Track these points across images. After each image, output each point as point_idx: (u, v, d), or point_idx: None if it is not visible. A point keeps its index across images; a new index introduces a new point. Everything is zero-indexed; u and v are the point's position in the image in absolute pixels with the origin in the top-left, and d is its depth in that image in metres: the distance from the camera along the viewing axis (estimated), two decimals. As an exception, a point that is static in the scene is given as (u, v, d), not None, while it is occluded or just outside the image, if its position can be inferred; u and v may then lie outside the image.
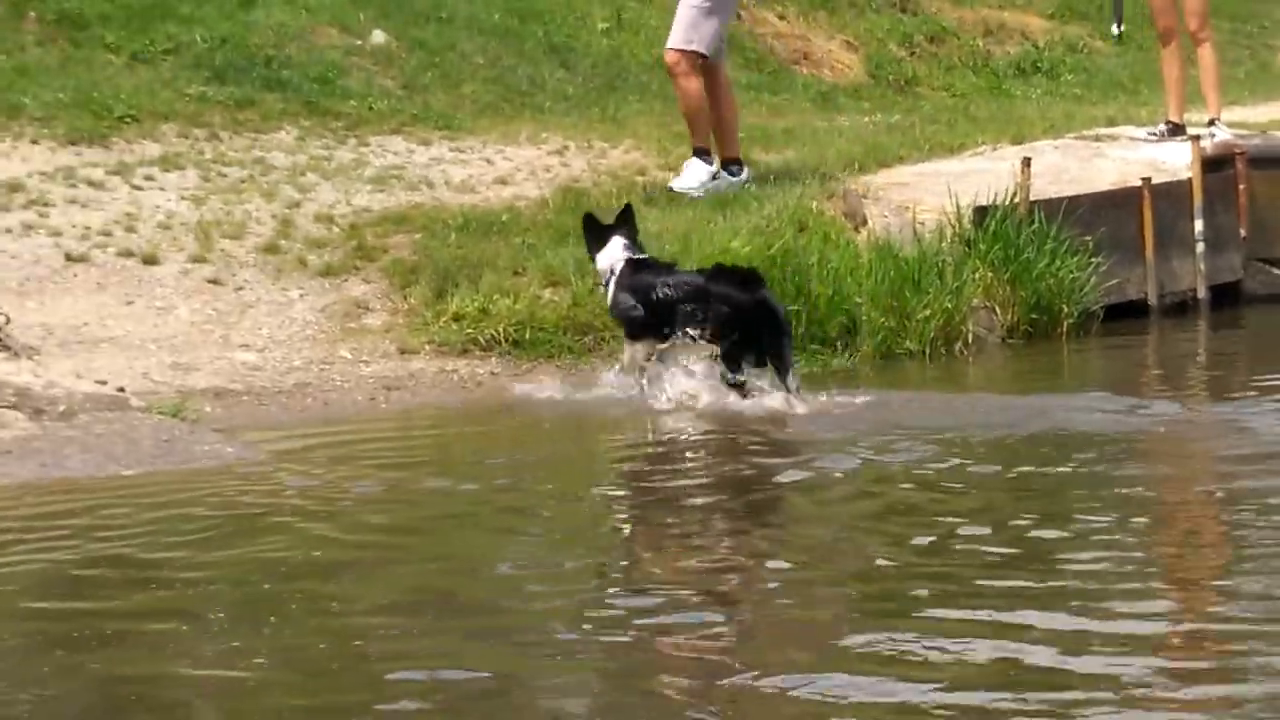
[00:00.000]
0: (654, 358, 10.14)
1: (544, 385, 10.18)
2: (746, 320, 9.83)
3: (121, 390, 8.96)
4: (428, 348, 10.53)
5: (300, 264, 11.29)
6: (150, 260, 10.97)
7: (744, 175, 13.07)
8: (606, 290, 10.13)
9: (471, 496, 7.91)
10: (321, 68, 14.97)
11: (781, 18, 20.12)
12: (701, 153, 12.87)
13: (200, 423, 8.78)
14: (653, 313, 9.90)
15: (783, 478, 8.43)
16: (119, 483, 7.76)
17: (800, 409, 9.87)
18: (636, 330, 10.02)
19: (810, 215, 12.26)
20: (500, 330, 10.59)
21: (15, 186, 11.62)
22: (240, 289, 10.91)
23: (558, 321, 10.83)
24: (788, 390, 9.92)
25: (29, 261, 10.69)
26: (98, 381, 9.04)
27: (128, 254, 10.98)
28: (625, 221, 10.39)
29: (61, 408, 8.44)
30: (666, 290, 9.89)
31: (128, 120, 13.27)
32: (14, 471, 7.62)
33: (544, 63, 16.75)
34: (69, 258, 10.81)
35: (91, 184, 11.96)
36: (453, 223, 11.93)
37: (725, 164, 13.03)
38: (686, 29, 12.28)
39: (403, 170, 13.20)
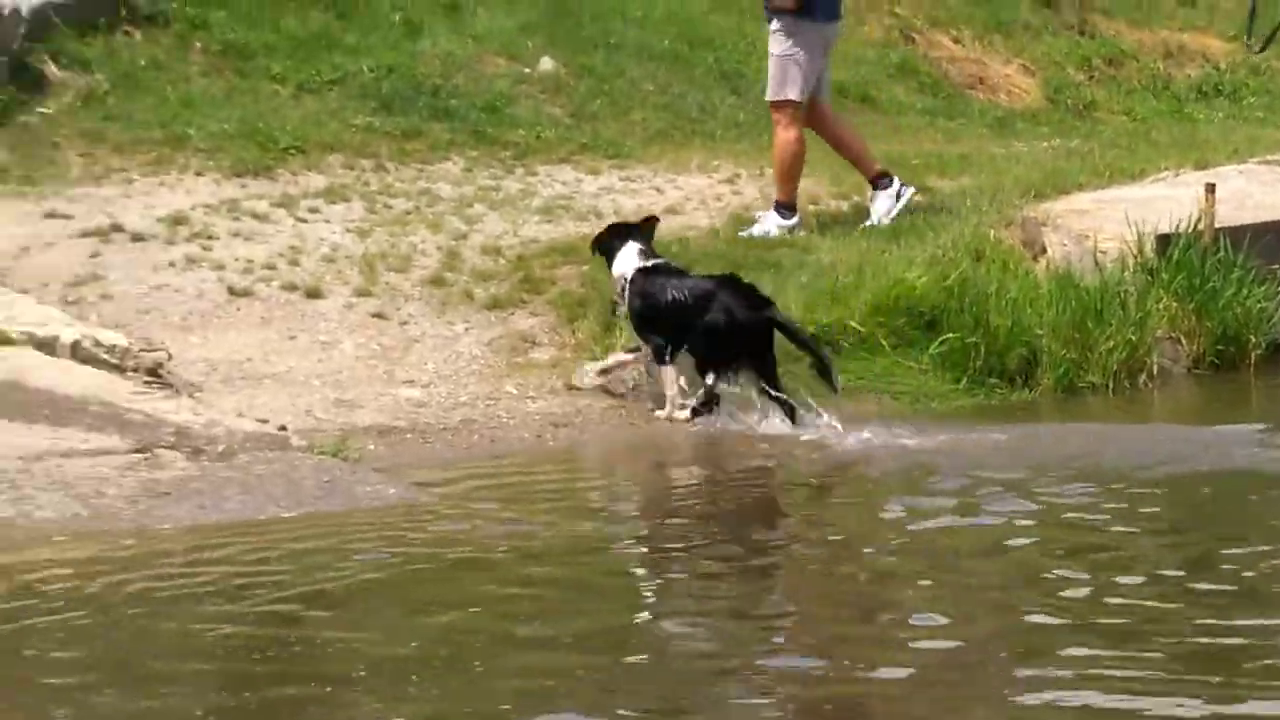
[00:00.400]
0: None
1: (715, 420, 9.81)
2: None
3: (283, 429, 8.90)
4: None
5: (466, 297, 11.12)
6: (314, 294, 10.88)
7: (893, 188, 12.56)
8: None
9: (642, 540, 7.73)
10: (489, 96, 14.89)
11: (956, 41, 19.80)
12: (782, 207, 12.43)
13: (362, 462, 8.63)
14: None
15: (935, 522, 8.01)
16: (279, 526, 7.60)
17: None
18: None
19: (987, 244, 12.04)
20: None
21: (179, 219, 11.58)
22: (405, 323, 10.77)
23: None
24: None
25: (192, 296, 10.60)
26: (259, 420, 8.97)
27: (291, 288, 10.89)
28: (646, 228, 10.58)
29: (221, 447, 8.33)
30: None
31: (293, 151, 13.26)
32: (172, 514, 7.46)
33: (714, 89, 16.52)
34: (232, 292, 10.72)
35: (256, 216, 11.91)
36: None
37: (874, 181, 12.63)
38: (776, 80, 12.06)
39: (571, 200, 13.04)
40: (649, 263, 9.92)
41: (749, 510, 9.02)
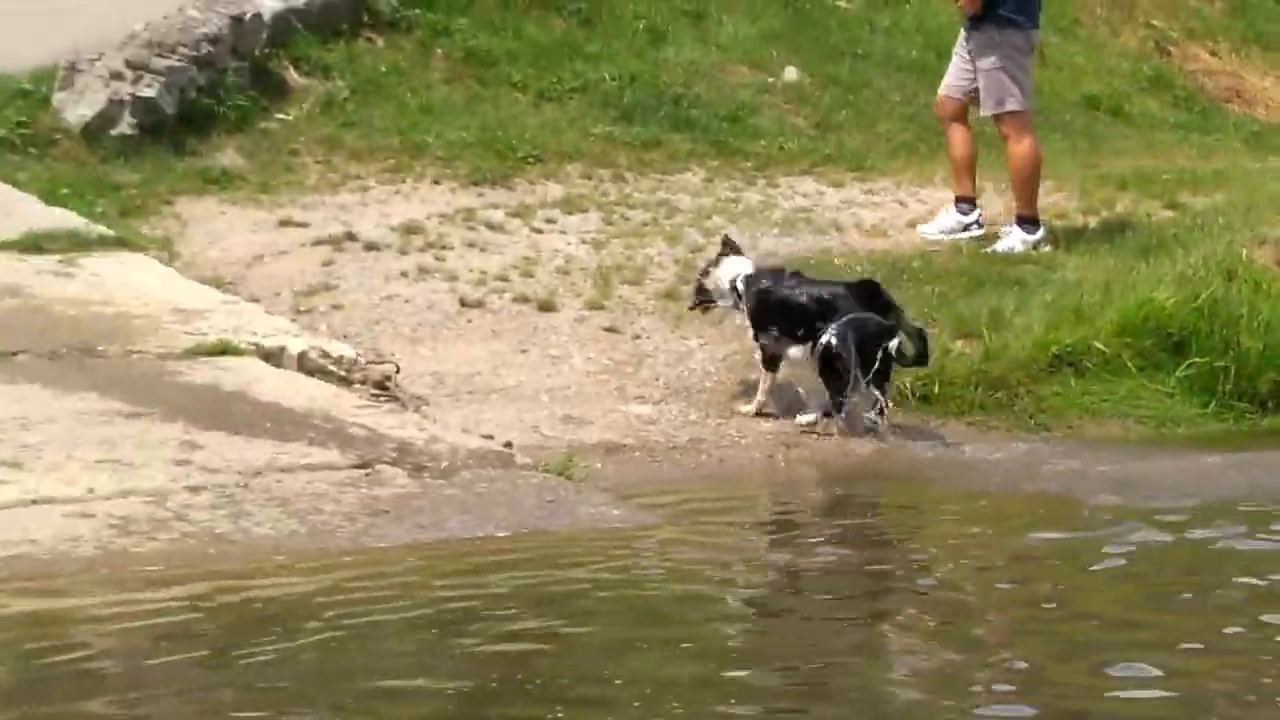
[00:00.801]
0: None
1: (954, 444, 9.64)
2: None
3: (508, 446, 8.77)
4: None
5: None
6: (546, 307, 10.81)
7: (969, 218, 12.33)
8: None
9: (871, 574, 7.45)
10: (732, 106, 14.86)
11: (1213, 54, 19.46)
12: (1025, 221, 12.16)
13: (587, 481, 8.46)
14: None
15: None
16: (497, 546, 7.42)
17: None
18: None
19: (1240, 263, 11.65)
20: (908, 384, 10.10)
21: (414, 229, 11.65)
22: (638, 338, 10.65)
23: (968, 376, 10.28)
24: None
25: (423, 307, 10.61)
26: (484, 436, 8.88)
27: (524, 300, 10.83)
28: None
29: (444, 464, 8.24)
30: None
31: (531, 160, 13.30)
32: (390, 533, 7.35)
33: None
34: (464, 303, 10.70)
35: (491, 226, 11.94)
36: (860, 270, 11.49)
37: (957, 200, 12.46)
38: (993, 96, 11.77)
39: (811, 213, 12.92)
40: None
41: (995, 542, 8.54)
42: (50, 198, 11.00)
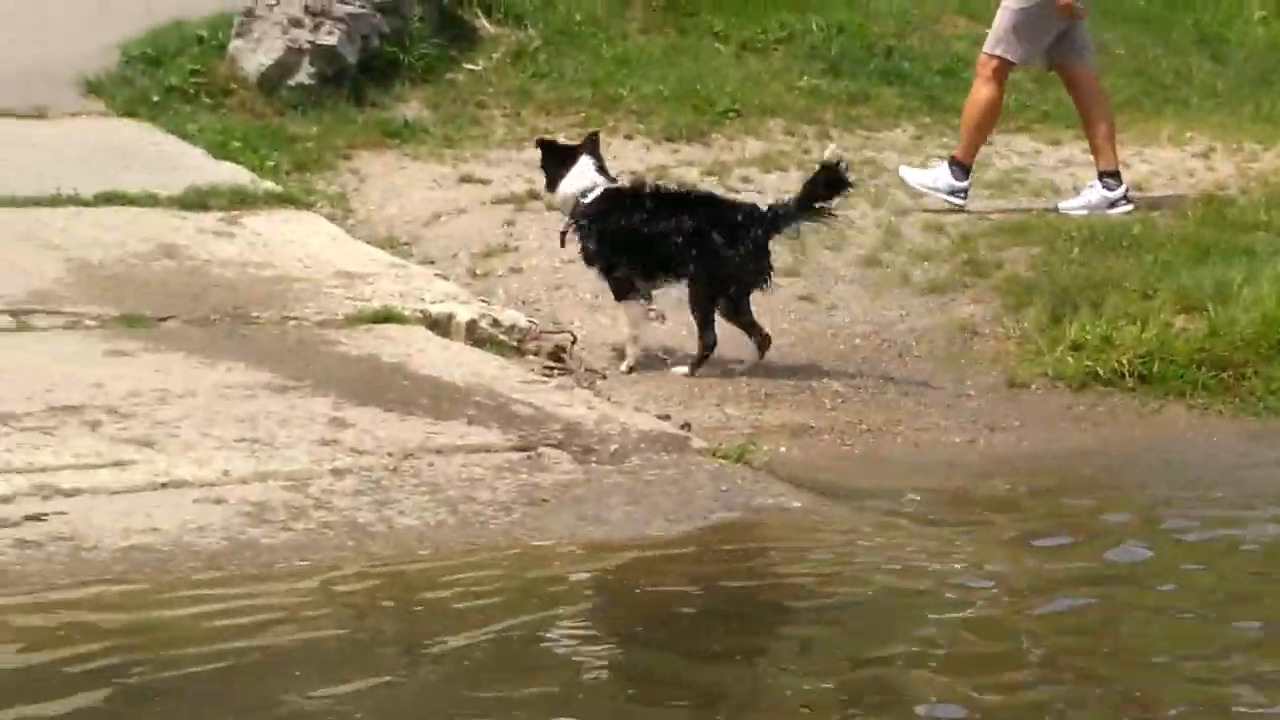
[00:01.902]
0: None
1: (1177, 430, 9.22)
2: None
3: (685, 427, 8.43)
4: (1039, 381, 9.65)
5: (903, 280, 10.69)
6: None
7: (1120, 191, 12.09)
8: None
9: (1090, 580, 6.76)
10: (946, 59, 14.62)
11: None
12: (956, 164, 11.94)
13: (767, 467, 8.03)
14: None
15: None
16: (664, 543, 6.97)
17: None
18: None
19: None
20: (1125, 362, 9.62)
21: None
22: (833, 308, 10.34)
23: (1191, 353, 9.76)
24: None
25: None
26: (660, 416, 8.55)
27: None
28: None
29: (613, 447, 7.89)
30: None
31: (730, 115, 13.12)
32: (547, 525, 7.03)
33: (1192, 54, 16.02)
34: None
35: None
36: (1077, 235, 11.22)
37: (1102, 177, 12.21)
38: (995, 33, 11.66)
39: (1026, 173, 12.78)
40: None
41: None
42: (220, 151, 11.04)
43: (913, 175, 12.64)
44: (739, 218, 9.61)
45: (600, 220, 9.35)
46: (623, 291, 9.54)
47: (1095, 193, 12.28)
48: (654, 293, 9.50)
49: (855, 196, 11.25)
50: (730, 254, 9.37)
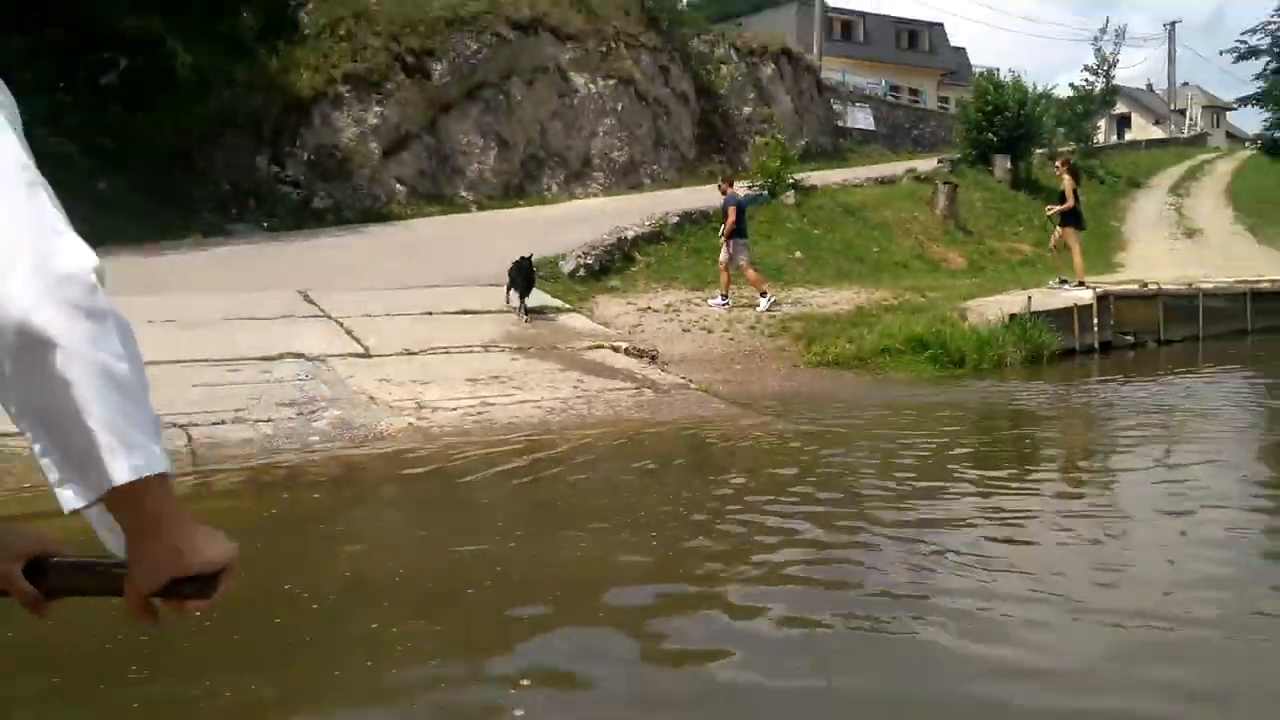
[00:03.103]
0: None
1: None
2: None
3: (690, 381, 9.06)
4: (803, 365, 10.51)
5: (760, 332, 11.43)
6: (711, 330, 11.34)
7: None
8: None
9: None
10: None
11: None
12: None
13: (715, 395, 8.58)
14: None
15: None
16: (679, 420, 7.93)
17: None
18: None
19: (947, 316, 11.96)
20: (831, 358, 10.71)
21: (672, 306, 12.16)
22: (735, 340, 11.04)
23: (851, 355, 10.96)
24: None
25: (669, 330, 10.96)
26: (682, 378, 9.25)
27: (703, 329, 11.37)
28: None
29: (666, 388, 8.75)
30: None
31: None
32: (638, 415, 7.94)
33: None
34: (683, 329, 11.23)
35: (661, 310, 12.33)
36: (823, 317, 11.94)
37: None
38: None
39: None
40: None
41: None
42: (554, 295, 12.10)
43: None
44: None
45: None
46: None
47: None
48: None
49: (745, 305, 11.94)
50: None
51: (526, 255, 10.34)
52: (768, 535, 4.85)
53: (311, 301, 10.55)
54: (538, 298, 11.29)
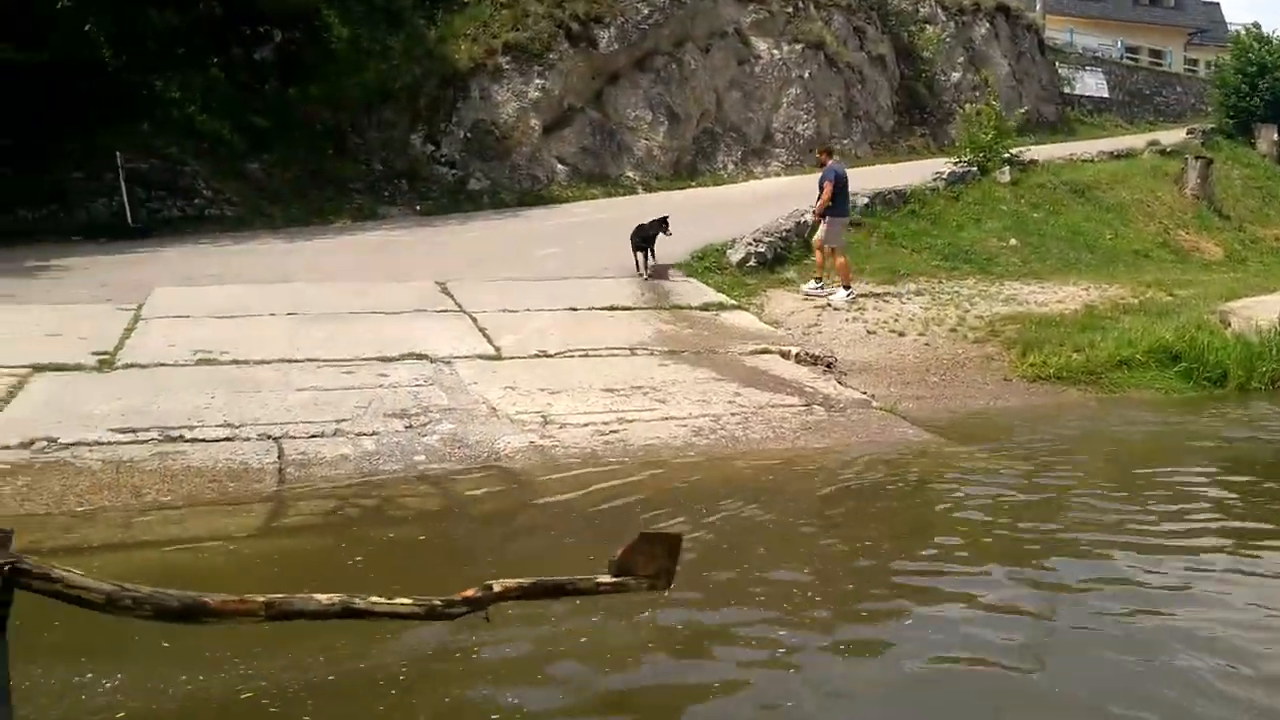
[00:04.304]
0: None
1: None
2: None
3: (871, 396, 8.37)
4: (1016, 378, 9.44)
5: (963, 337, 10.31)
6: (900, 334, 10.33)
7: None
8: None
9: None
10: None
11: (1186, 231, 16.88)
12: None
13: (900, 413, 7.85)
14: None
15: None
16: (851, 446, 7.10)
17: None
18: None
19: (1203, 322, 10.33)
20: (1052, 371, 9.54)
21: (857, 300, 11.15)
22: (930, 345, 10.02)
23: (1078, 367, 9.61)
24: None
25: (850, 333, 10.09)
26: (862, 393, 8.51)
27: (894, 332, 10.37)
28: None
29: (840, 405, 8.08)
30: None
31: (907, 273, 12.62)
32: (806, 438, 7.16)
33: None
34: (868, 331, 10.25)
35: (885, 298, 11.35)
36: (1033, 319, 10.69)
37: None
38: None
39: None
40: None
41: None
42: (717, 289, 11.47)
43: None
44: None
45: None
46: None
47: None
48: None
49: (945, 302, 11.15)
50: None
51: (656, 219, 11.19)
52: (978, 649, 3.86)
53: (448, 293, 10.30)
54: (699, 293, 11.08)
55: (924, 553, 4.82)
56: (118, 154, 12.65)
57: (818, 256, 11.41)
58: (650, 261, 11.22)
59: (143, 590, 2.25)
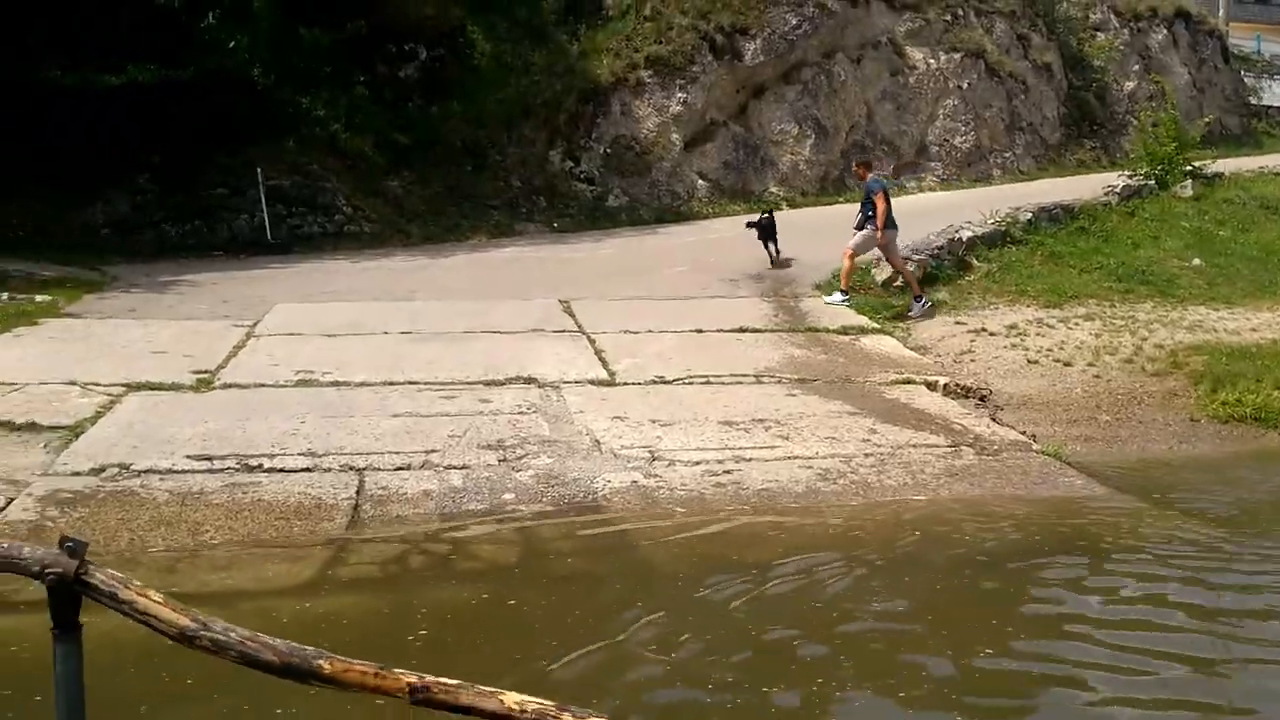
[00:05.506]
0: None
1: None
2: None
3: (1032, 437, 7.54)
4: (1204, 419, 8.23)
5: (1142, 370, 9.13)
6: (1067, 363, 9.27)
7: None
8: None
9: None
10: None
11: None
12: None
13: (1066, 459, 6.98)
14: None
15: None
16: (1008, 498, 6.36)
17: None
18: None
19: None
20: (1248, 411, 8.25)
21: (1013, 326, 10.16)
22: (1105, 379, 8.96)
23: None
24: None
25: (1009, 362, 9.23)
26: (1020, 432, 7.64)
27: (1059, 361, 9.31)
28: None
29: (994, 447, 7.24)
30: None
31: (1073, 299, 11.34)
32: (954, 486, 6.38)
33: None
34: (1028, 361, 9.32)
35: (1048, 325, 10.23)
36: (1224, 350, 9.40)
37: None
38: None
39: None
40: None
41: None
42: (860, 311, 10.73)
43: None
44: None
45: None
46: None
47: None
48: None
49: (1119, 328, 9.94)
50: None
51: (763, 212, 12.02)
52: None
53: (569, 313, 9.87)
54: (838, 315, 10.67)
55: (1095, 641, 4.17)
56: (259, 170, 12.58)
57: (846, 264, 11.12)
58: (778, 254, 12.08)
59: (235, 633, 2.05)
